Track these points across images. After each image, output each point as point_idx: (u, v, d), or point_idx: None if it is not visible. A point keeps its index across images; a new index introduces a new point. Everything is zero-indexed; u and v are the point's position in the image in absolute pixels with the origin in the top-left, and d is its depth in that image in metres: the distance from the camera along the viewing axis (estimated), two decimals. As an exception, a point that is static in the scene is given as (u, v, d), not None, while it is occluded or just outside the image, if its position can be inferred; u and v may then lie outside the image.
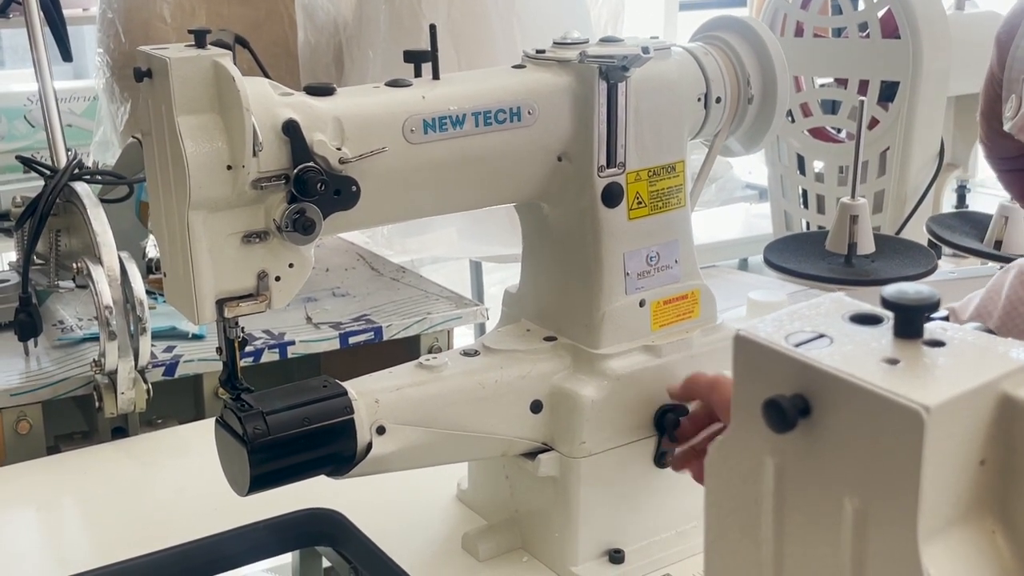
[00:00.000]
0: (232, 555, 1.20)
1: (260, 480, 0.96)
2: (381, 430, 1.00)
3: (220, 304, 0.92)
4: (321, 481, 1.26)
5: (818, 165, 2.01)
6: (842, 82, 1.92)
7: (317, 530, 1.24)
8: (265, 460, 0.95)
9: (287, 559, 2.12)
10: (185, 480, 1.31)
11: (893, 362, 0.35)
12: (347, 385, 1.00)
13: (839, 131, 1.99)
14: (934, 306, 0.36)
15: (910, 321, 0.36)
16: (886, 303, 0.37)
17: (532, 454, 1.08)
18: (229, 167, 0.87)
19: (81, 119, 2.65)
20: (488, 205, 1.06)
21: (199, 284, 0.90)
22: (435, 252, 2.15)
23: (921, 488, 0.34)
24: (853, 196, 1.46)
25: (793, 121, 1.99)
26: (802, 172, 2.02)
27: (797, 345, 0.37)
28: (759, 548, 0.39)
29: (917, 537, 0.34)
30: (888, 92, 1.83)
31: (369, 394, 1.00)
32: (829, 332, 0.37)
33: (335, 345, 1.58)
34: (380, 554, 1.16)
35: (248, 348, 1.52)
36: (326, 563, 1.90)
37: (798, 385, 0.36)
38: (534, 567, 1.13)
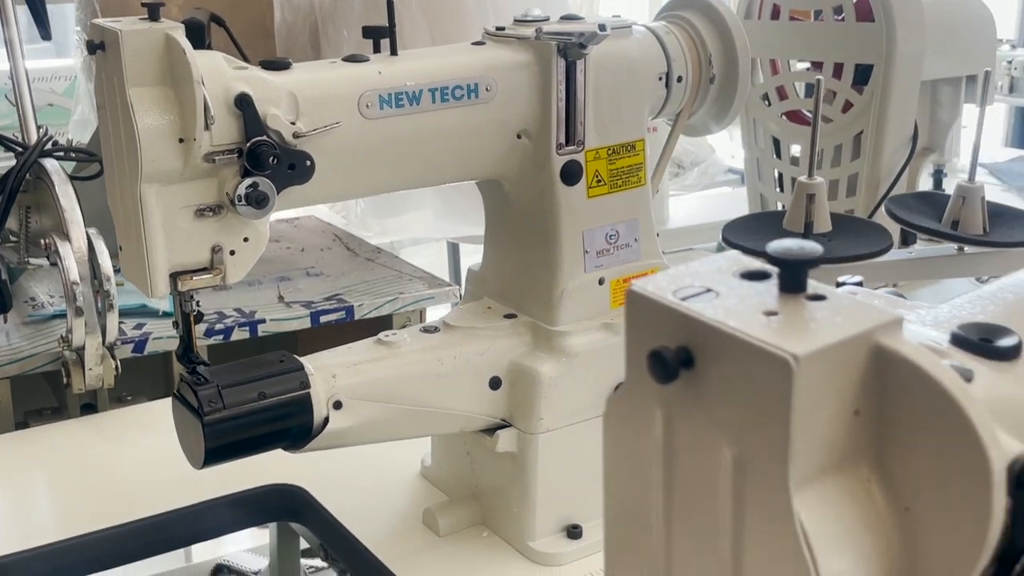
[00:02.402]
0: (196, 529, 1.21)
1: (215, 453, 0.96)
2: (338, 405, 1.00)
3: (174, 277, 0.92)
4: (286, 457, 1.27)
5: (795, 149, 2.01)
6: (818, 65, 1.92)
7: (280, 505, 1.24)
8: (220, 433, 0.95)
9: (265, 539, 2.13)
10: (152, 456, 1.32)
11: (772, 314, 0.36)
12: (304, 360, 1.01)
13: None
14: (816, 261, 0.37)
15: (793, 275, 0.37)
16: (771, 259, 0.37)
17: (491, 430, 1.09)
18: (181, 140, 0.87)
19: (62, 98, 2.64)
20: (447, 182, 1.07)
21: (152, 257, 0.90)
22: (411, 234, 2.15)
23: (792, 436, 0.34)
24: (810, 175, 1.47)
25: (769, 104, 2.00)
26: (778, 156, 2.02)
27: (684, 299, 0.37)
28: (650, 497, 0.40)
29: (789, 486, 0.35)
30: (863, 75, 1.83)
31: (326, 369, 1.01)
32: (717, 287, 0.38)
33: (306, 324, 1.58)
34: (341, 529, 1.16)
35: (219, 326, 1.53)
36: (304, 544, 1.91)
37: (682, 337, 0.37)
38: (493, 542, 1.14)
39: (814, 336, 0.34)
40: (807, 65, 1.99)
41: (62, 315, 1.50)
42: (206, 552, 2.77)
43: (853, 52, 1.81)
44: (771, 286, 0.38)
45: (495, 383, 1.07)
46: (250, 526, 1.30)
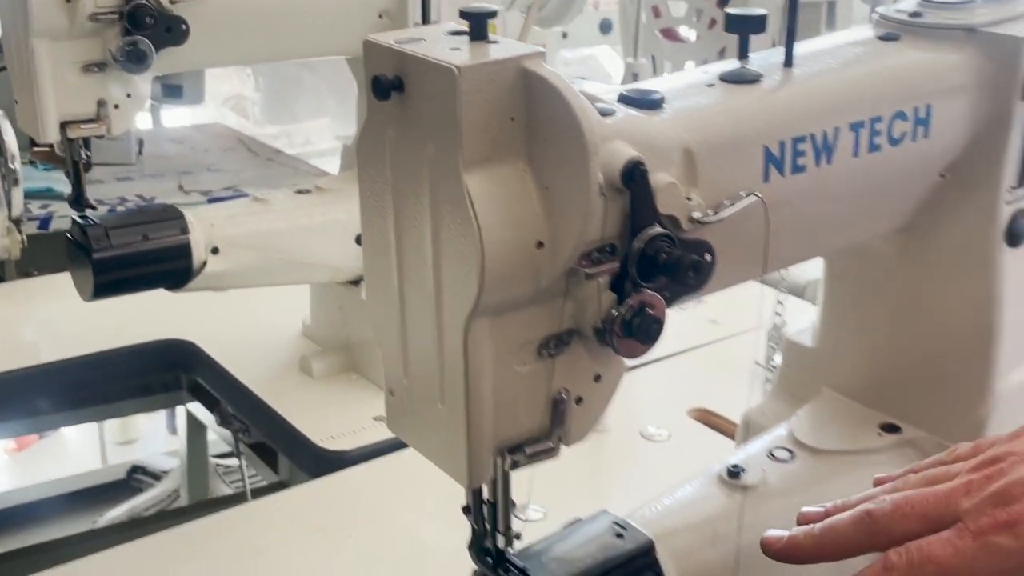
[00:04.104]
0: (96, 376, 1.34)
1: (103, 288, 1.08)
2: (215, 250, 1.13)
3: (63, 126, 1.04)
4: (179, 316, 1.41)
5: (667, 66, 2.16)
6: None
7: (172, 358, 1.38)
8: (107, 269, 1.08)
9: (175, 444, 2.27)
10: (56, 316, 1.44)
11: (456, 50, 0.50)
12: (186, 211, 1.14)
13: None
14: (493, 13, 0.51)
15: (477, 26, 0.51)
16: (462, 14, 0.51)
17: (357, 281, 1.23)
18: (68, 0, 0.99)
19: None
20: (320, 55, 1.20)
21: (43, 107, 1.02)
22: (316, 146, 2.27)
23: (462, 130, 0.49)
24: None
25: (646, 21, 2.14)
26: (655, 73, 2.17)
27: (399, 42, 0.51)
28: (385, 198, 0.54)
29: (460, 170, 0.49)
30: (732, -5, 1.98)
31: (206, 219, 1.14)
32: (428, 39, 0.52)
33: (204, 210, 1.70)
34: (227, 375, 1.30)
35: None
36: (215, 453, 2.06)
37: (396, 69, 0.51)
38: (362, 383, 1.28)
39: (476, 58, 0.49)
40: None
41: (-29, 194, 1.60)
42: (120, 456, 2.89)
43: (717, -29, 1.96)
44: (465, 39, 0.52)
45: (359, 240, 1.21)
46: (146, 377, 1.42)
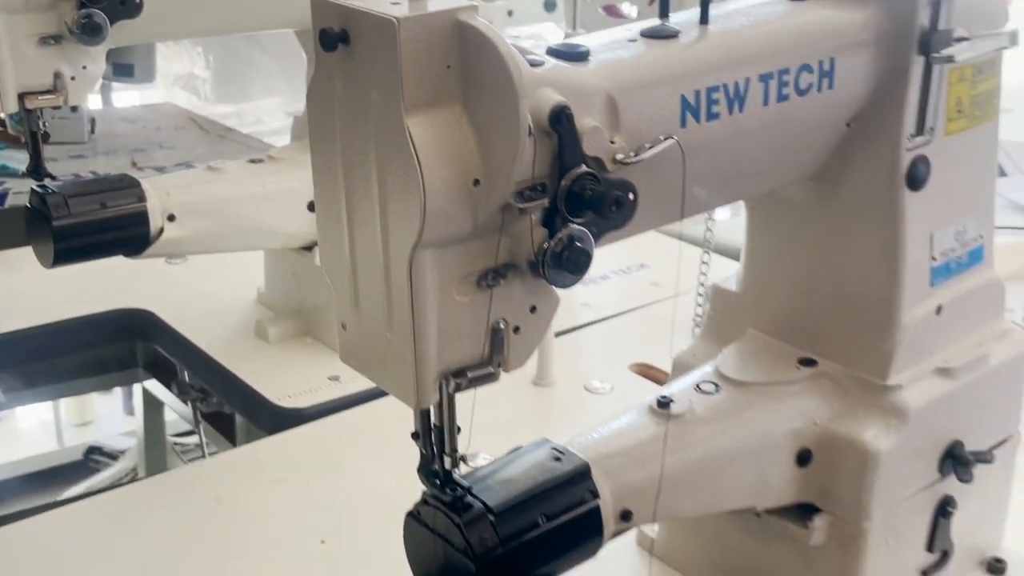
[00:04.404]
0: (56, 345, 1.37)
1: (62, 254, 1.12)
2: (172, 218, 1.18)
3: (21, 98, 1.08)
4: (137, 287, 1.45)
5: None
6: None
7: (131, 327, 1.41)
8: (66, 236, 1.11)
9: (132, 425, 2.29)
10: (16, 287, 1.47)
11: (396, 4, 0.55)
12: (142, 180, 1.18)
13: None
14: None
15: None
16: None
17: (310, 247, 1.28)
18: (24, -25, 1.03)
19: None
20: (271, 27, 1.24)
21: (1, 79, 1.06)
22: (269, 125, 2.31)
23: (403, 77, 0.54)
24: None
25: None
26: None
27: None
28: (334, 148, 0.59)
29: (402, 114, 0.54)
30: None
31: (162, 187, 1.18)
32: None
33: (157, 186, 1.73)
34: (186, 341, 1.34)
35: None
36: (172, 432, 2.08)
37: (342, 22, 0.56)
38: (316, 346, 1.33)
39: (415, 11, 0.54)
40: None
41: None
42: (77, 438, 2.91)
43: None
44: (406, -3, 0.57)
45: (312, 206, 1.25)
46: (107, 348, 1.46)
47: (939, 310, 0.82)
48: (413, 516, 0.69)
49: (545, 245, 0.60)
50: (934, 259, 0.81)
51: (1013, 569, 0.92)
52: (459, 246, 0.59)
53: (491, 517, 0.66)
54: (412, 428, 0.67)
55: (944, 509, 0.85)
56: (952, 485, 0.85)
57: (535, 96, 0.57)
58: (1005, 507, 0.93)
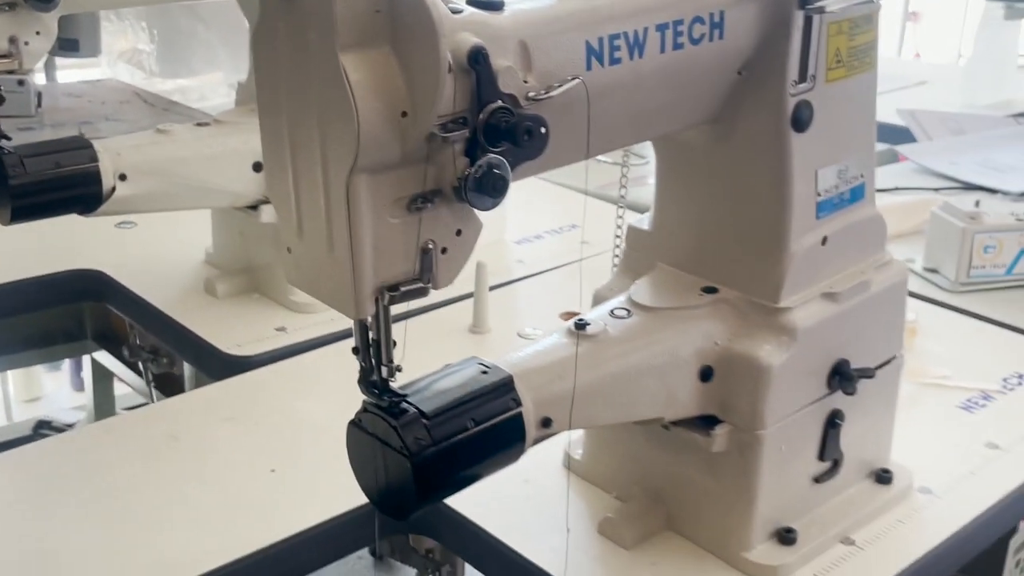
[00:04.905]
0: (11, 302, 1.43)
1: (19, 211, 1.18)
2: (123, 177, 1.24)
3: (-22, 61, 1.14)
4: (90, 248, 1.51)
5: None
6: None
7: (83, 287, 1.47)
8: (23, 195, 1.17)
9: (82, 400, 2.33)
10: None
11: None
12: (95, 141, 1.24)
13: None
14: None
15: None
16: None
17: (256, 206, 1.35)
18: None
19: None
20: None
21: (-42, 43, 1.12)
22: (203, 93, 2.35)
23: (337, 22, 0.62)
24: None
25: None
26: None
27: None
28: (278, 85, 0.67)
29: (337, 53, 0.63)
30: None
31: (113, 148, 1.24)
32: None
33: (105, 157, 1.79)
34: (137, 298, 1.41)
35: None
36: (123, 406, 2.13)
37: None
38: (264, 302, 1.40)
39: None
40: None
41: None
42: (27, 412, 2.95)
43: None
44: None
45: (258, 167, 1.32)
46: (57, 304, 1.52)
47: (824, 241, 0.92)
48: (355, 424, 0.77)
49: (467, 172, 0.68)
50: (819, 194, 0.91)
51: (899, 479, 1.03)
52: (390, 172, 0.67)
53: (425, 420, 0.75)
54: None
55: (833, 421, 0.95)
56: (840, 400, 0.95)
57: (455, 39, 0.66)
58: (891, 423, 1.03)
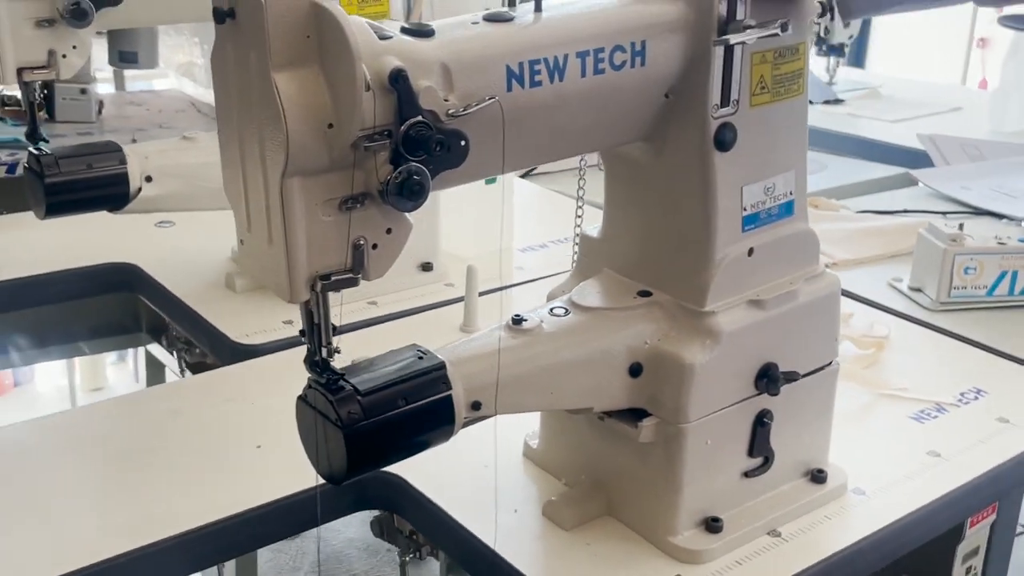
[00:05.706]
0: (49, 291, 1.57)
1: (53, 207, 1.32)
2: (149, 179, 1.37)
3: (19, 72, 1.28)
4: (129, 243, 1.64)
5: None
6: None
7: (119, 279, 1.61)
8: (57, 192, 1.31)
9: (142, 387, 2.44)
10: (19, 246, 1.67)
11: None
12: (124, 147, 1.37)
13: None
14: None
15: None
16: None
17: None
18: (22, -33, 1.22)
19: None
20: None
21: (2, 56, 1.26)
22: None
23: (270, 39, 0.72)
24: None
25: None
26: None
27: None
28: (231, 98, 0.78)
29: (271, 72, 0.73)
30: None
31: (141, 152, 1.37)
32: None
33: (155, 161, 1.93)
34: (164, 290, 1.54)
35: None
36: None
37: (230, 3, 0.75)
38: (275, 298, 1.50)
39: (280, -8, 0.73)
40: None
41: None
42: (89, 401, 3.11)
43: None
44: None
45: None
46: (95, 294, 1.65)
47: (751, 252, 0.99)
48: (301, 398, 0.88)
49: (388, 178, 0.78)
50: (745, 209, 0.98)
51: (833, 479, 1.09)
52: (321, 176, 0.78)
53: (359, 397, 0.85)
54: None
55: (762, 420, 1.03)
56: (772, 400, 1.03)
57: (379, 61, 0.76)
58: (828, 426, 1.10)
